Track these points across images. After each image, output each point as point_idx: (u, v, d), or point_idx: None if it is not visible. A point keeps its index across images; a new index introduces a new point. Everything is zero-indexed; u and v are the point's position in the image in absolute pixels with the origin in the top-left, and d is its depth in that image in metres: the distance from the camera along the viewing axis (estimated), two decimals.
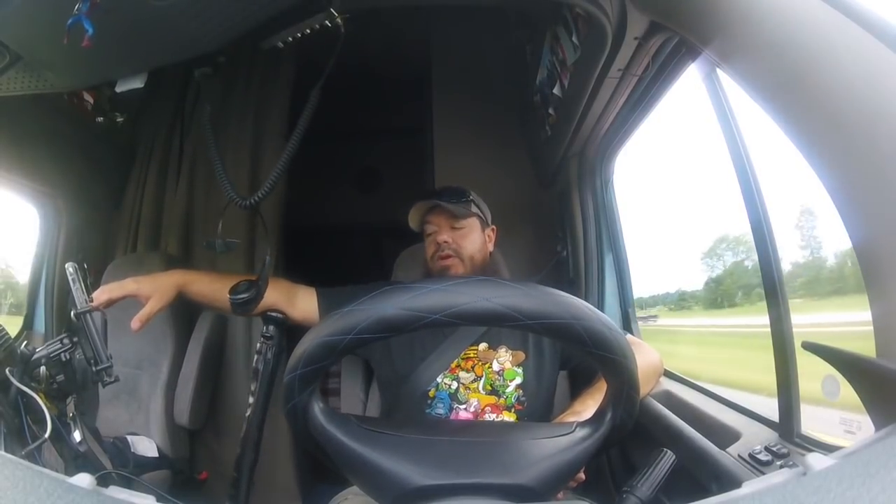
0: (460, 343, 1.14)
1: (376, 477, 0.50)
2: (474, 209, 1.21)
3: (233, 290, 1.03)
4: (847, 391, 0.50)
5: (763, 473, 0.71)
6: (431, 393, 1.12)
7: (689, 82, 1.03)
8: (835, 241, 0.82)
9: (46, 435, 0.73)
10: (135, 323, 0.96)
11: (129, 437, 1.31)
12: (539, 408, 1.14)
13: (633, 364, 0.52)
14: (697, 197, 1.33)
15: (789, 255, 0.91)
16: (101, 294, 0.95)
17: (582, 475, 0.97)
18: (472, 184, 1.30)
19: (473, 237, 1.20)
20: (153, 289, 1.00)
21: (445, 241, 1.17)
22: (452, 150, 1.98)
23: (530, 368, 1.14)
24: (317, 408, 0.52)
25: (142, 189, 1.80)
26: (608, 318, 0.50)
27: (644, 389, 1.09)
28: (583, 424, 0.56)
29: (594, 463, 1.21)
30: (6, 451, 0.69)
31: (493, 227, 1.27)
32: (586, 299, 1.39)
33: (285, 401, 0.52)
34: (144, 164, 1.81)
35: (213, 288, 1.09)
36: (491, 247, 1.27)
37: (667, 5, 0.78)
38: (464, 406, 1.11)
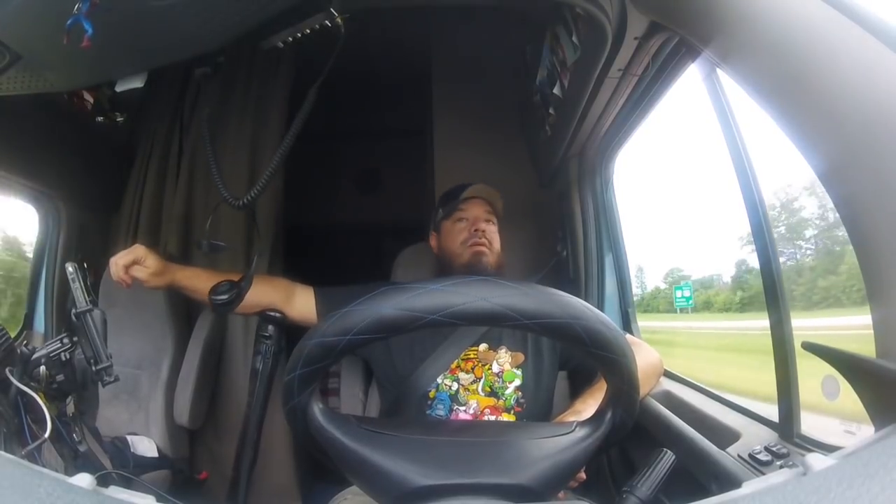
0: (460, 343, 1.14)
1: (376, 477, 0.50)
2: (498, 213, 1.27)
3: (213, 291, 1.03)
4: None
5: (763, 473, 0.71)
6: (432, 394, 1.12)
7: (689, 82, 1.03)
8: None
9: (46, 435, 0.73)
10: (122, 271, 1.01)
11: (129, 437, 1.31)
12: (538, 409, 1.14)
13: (633, 363, 0.52)
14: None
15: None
16: (117, 269, 1.02)
17: (583, 474, 0.97)
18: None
19: (497, 236, 1.24)
20: (155, 261, 1.04)
21: (483, 230, 1.20)
22: (452, 150, 1.97)
23: (529, 370, 1.14)
24: (316, 408, 0.52)
25: (141, 189, 1.79)
26: (607, 317, 0.50)
27: (644, 389, 1.09)
28: (582, 424, 0.56)
29: (594, 463, 1.21)
30: (6, 451, 0.68)
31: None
32: (586, 299, 1.39)
33: (285, 401, 0.52)
34: (144, 163, 1.81)
35: (209, 286, 1.09)
36: None
37: (667, 5, 0.78)
38: (463, 408, 1.11)
